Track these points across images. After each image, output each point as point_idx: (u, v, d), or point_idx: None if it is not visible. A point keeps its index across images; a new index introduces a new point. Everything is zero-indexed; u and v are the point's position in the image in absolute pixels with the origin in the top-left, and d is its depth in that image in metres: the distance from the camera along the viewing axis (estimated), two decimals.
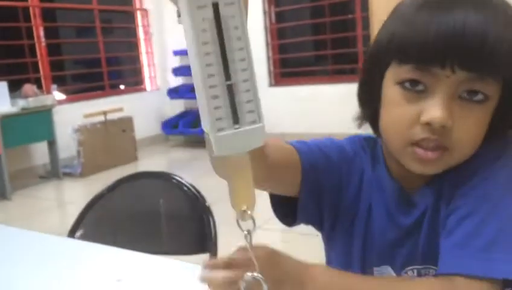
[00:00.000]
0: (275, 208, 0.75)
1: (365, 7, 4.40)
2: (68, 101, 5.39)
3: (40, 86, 4.97)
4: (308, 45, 6.01)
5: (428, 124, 0.60)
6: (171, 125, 5.96)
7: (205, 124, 0.41)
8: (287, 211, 0.73)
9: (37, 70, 5.16)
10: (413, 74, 0.61)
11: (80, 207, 1.38)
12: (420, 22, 0.60)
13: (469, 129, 0.61)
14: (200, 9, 0.38)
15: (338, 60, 5.53)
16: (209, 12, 0.39)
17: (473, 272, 0.57)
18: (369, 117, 0.71)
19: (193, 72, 0.41)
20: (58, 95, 5.23)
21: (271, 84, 5.70)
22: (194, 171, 4.98)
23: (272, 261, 0.56)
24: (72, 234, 1.32)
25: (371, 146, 0.76)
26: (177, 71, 6.06)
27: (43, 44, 5.18)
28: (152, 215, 1.39)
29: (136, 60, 6.37)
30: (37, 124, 4.47)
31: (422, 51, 0.59)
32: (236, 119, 0.40)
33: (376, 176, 0.73)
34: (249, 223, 0.45)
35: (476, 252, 0.59)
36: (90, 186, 4.53)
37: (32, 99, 4.39)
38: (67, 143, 4.81)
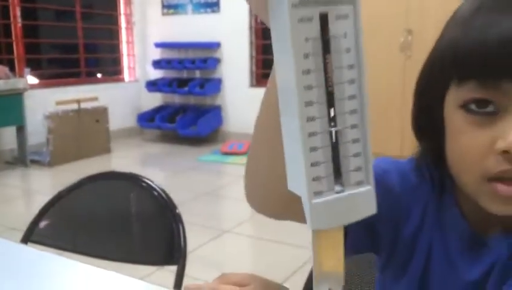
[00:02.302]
0: None
1: None
2: (41, 86, 5.21)
3: (12, 69, 4.79)
4: None
5: (506, 152, 0.49)
6: (147, 119, 5.83)
7: (295, 186, 0.30)
8: None
9: (11, 51, 4.97)
10: (477, 92, 0.50)
11: (46, 197, 1.29)
12: (479, 28, 0.49)
13: None
14: (302, 24, 0.27)
15: None
16: (315, 29, 0.28)
17: None
18: (432, 152, 0.59)
19: (284, 111, 0.30)
20: (31, 79, 5.04)
21: (252, 85, 5.64)
22: (168, 167, 4.88)
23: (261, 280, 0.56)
24: (30, 231, 1.24)
25: (439, 172, 0.62)
26: (157, 64, 5.94)
27: (19, 25, 4.99)
28: (118, 219, 1.30)
29: (115, 49, 6.21)
30: (7, 108, 4.30)
31: (485, 62, 0.48)
32: (339, 179, 0.30)
33: (443, 211, 0.62)
34: None
35: None
36: (58, 176, 4.38)
37: (3, 81, 4.22)
38: (37, 130, 4.64)
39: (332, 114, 0.29)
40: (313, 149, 0.29)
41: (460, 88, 0.51)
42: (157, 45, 5.99)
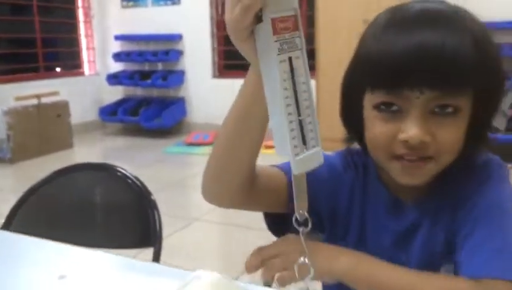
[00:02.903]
0: (267, 222, 0.80)
1: (311, 5, 4.48)
2: None
3: None
4: None
5: (406, 142, 0.65)
6: (109, 112, 5.77)
7: (283, 152, 0.50)
8: (279, 224, 0.77)
9: None
10: (385, 97, 0.66)
11: (8, 194, 1.32)
12: (386, 44, 0.64)
13: (446, 139, 0.65)
14: (281, 63, 0.49)
15: None
16: (287, 65, 0.50)
17: (496, 275, 0.62)
18: (356, 137, 0.76)
19: (273, 111, 0.51)
20: None
21: (214, 76, 5.68)
22: (133, 160, 4.87)
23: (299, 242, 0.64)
24: (6, 227, 1.26)
25: (362, 158, 0.80)
26: (117, 57, 5.88)
27: None
28: (94, 209, 1.35)
29: (74, 42, 6.09)
30: None
31: (391, 77, 0.64)
32: (305, 145, 0.51)
33: (368, 187, 0.78)
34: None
35: (495, 257, 0.64)
36: (20, 173, 4.31)
37: None
38: None
39: (298, 109, 0.51)
40: (291, 130, 0.50)
41: (373, 95, 0.67)
42: (117, 38, 5.93)
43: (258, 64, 0.51)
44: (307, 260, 0.54)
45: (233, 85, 5.69)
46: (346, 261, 0.66)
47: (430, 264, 0.71)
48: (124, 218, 1.34)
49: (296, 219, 0.55)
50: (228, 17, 0.51)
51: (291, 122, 0.49)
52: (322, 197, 0.77)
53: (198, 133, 5.17)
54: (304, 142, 0.50)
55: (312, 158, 0.51)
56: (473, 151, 0.71)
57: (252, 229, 2.86)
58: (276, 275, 0.64)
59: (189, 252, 2.58)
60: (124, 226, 1.34)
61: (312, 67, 4.13)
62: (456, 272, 0.69)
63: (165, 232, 1.27)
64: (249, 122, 0.63)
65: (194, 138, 5.10)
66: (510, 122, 4.07)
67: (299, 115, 0.50)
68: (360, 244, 0.77)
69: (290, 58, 0.49)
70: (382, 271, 0.66)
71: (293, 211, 0.71)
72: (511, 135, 4.00)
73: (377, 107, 0.67)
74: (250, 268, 0.66)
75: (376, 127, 0.68)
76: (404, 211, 0.76)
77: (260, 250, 0.66)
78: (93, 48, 6.12)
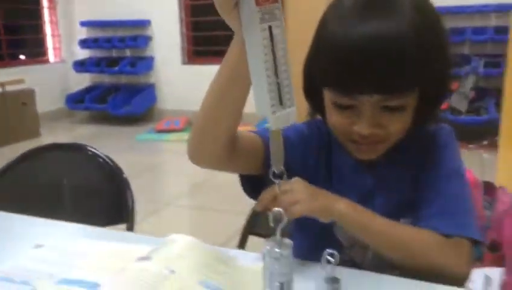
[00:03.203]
0: (243, 185, 0.84)
1: None
2: None
3: None
4: (220, 24, 5.98)
5: (360, 133, 0.74)
6: (76, 100, 5.67)
7: (262, 111, 0.56)
8: (254, 186, 0.81)
9: None
10: (341, 100, 0.74)
11: None
12: (338, 56, 0.70)
13: (396, 127, 0.75)
14: (263, 31, 0.54)
15: None
16: (267, 33, 0.54)
17: (461, 233, 0.75)
18: (319, 113, 0.84)
19: (254, 74, 0.56)
20: None
21: (184, 62, 5.64)
22: (103, 148, 4.79)
23: (307, 184, 0.73)
24: None
25: (326, 126, 0.86)
26: (83, 43, 5.76)
27: None
28: (65, 189, 1.35)
29: (38, 29, 5.94)
30: None
31: (344, 84, 0.71)
32: (282, 104, 0.56)
33: (332, 152, 0.86)
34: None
35: (459, 218, 0.77)
36: None
37: None
38: None
39: (277, 73, 0.55)
40: (270, 91, 0.55)
41: (329, 92, 0.76)
42: (83, 24, 5.81)
43: (242, 33, 0.56)
44: (332, 254, 0.58)
45: (203, 71, 5.65)
46: (344, 206, 0.73)
47: (391, 218, 0.77)
48: (96, 196, 1.35)
49: (274, 172, 0.59)
50: None
51: (270, 84, 0.54)
52: (292, 162, 0.80)
53: (169, 120, 5.15)
54: (281, 102, 0.55)
55: (288, 116, 0.56)
56: (424, 125, 0.81)
57: (222, 212, 2.91)
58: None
59: (160, 235, 2.60)
60: (96, 205, 1.35)
61: None
62: (413, 222, 0.79)
63: (137, 217, 1.28)
64: (233, 86, 0.67)
65: (165, 125, 5.07)
66: (471, 104, 4.22)
67: (277, 77, 0.55)
68: None
69: (270, 27, 0.54)
70: (375, 219, 0.75)
71: (267, 173, 0.76)
72: (472, 117, 4.16)
73: (333, 102, 0.75)
74: (262, 204, 0.71)
75: (333, 117, 0.77)
76: (366, 173, 0.84)
77: (271, 189, 0.70)
78: (59, 35, 5.98)
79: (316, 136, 0.88)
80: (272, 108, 0.55)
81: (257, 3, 0.53)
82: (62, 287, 0.68)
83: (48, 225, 0.93)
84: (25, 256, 0.78)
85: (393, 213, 0.79)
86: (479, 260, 1.98)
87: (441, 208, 0.77)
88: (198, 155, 0.76)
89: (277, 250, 0.57)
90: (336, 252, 0.60)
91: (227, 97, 0.69)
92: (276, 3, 0.55)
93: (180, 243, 0.72)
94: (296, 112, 0.57)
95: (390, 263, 0.75)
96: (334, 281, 0.61)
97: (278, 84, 0.55)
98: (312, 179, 0.83)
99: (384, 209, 0.79)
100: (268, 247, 0.57)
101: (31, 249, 0.81)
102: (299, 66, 0.81)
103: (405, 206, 0.81)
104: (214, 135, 0.72)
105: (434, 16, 0.74)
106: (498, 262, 1.89)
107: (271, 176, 0.59)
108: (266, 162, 0.77)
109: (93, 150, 1.36)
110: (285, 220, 0.59)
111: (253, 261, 0.76)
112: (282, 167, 0.59)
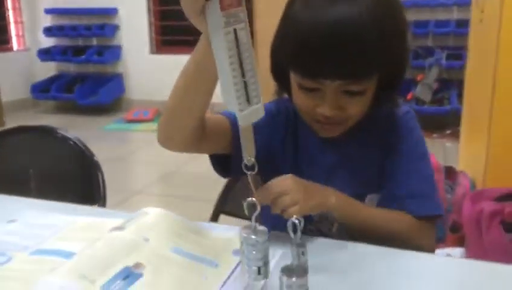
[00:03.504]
0: (213, 164, 0.87)
1: None
2: None
3: None
4: None
5: (323, 114, 0.78)
6: (41, 89, 5.53)
7: (231, 108, 0.59)
8: (223, 165, 0.86)
9: None
10: (305, 83, 0.78)
11: None
12: (298, 43, 0.73)
13: (356, 109, 0.80)
14: (227, 35, 0.56)
15: None
16: (232, 36, 0.57)
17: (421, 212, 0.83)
18: (285, 90, 0.87)
19: (221, 74, 0.58)
20: None
21: (152, 52, 5.59)
22: None
23: (299, 180, 0.75)
24: None
25: (293, 105, 0.89)
26: (48, 31, 5.62)
27: None
28: (36, 172, 1.34)
29: (1, 16, 5.75)
30: None
31: (308, 69, 0.75)
32: (249, 102, 0.59)
33: (299, 130, 0.90)
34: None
35: (425, 199, 0.85)
36: None
37: None
38: None
39: (243, 72, 0.58)
40: (237, 90, 0.58)
41: (294, 74, 0.79)
42: (48, 11, 5.66)
43: (208, 35, 0.58)
44: (298, 220, 0.61)
45: (172, 61, 5.61)
46: (335, 199, 0.78)
47: (356, 194, 0.83)
48: (66, 179, 1.35)
49: (245, 165, 0.62)
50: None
51: (236, 84, 0.57)
52: (260, 142, 0.84)
53: (137, 110, 5.10)
54: (248, 100, 0.59)
55: (255, 113, 0.60)
56: (382, 107, 0.86)
57: (191, 200, 2.92)
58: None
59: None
60: (67, 187, 1.35)
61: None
62: (383, 201, 0.85)
63: (108, 205, 1.28)
64: (200, 79, 0.70)
65: (133, 115, 5.02)
66: (435, 95, 4.36)
67: (243, 77, 0.58)
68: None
69: (235, 30, 0.57)
70: (362, 208, 0.82)
71: (236, 152, 0.80)
72: (435, 107, 4.30)
73: (298, 84, 0.79)
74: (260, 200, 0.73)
75: (298, 98, 0.82)
76: (330, 150, 0.88)
77: (266, 189, 0.72)
78: (22, 22, 5.81)
79: (283, 115, 0.92)
80: (239, 106, 0.58)
81: (222, 8, 0.56)
82: (37, 257, 0.69)
83: (20, 202, 0.93)
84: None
85: (358, 189, 0.85)
86: (442, 241, 2.08)
87: (413, 190, 0.85)
88: (168, 140, 0.79)
89: (253, 237, 0.60)
90: (301, 219, 0.63)
91: (195, 89, 0.72)
92: (240, 7, 0.58)
93: (153, 214, 0.75)
94: (262, 108, 0.61)
95: (353, 236, 0.80)
96: (300, 246, 0.64)
97: (245, 83, 0.58)
98: (278, 157, 0.87)
99: (348, 185, 0.84)
100: (244, 234, 0.60)
101: (4, 224, 0.81)
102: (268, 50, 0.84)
103: (370, 183, 0.87)
104: (183, 122, 0.75)
105: (395, 4, 0.78)
106: (459, 242, 1.98)
107: (244, 169, 0.62)
108: (234, 142, 0.81)
109: (62, 132, 1.35)
110: (258, 209, 0.61)
111: (223, 231, 0.79)
112: (253, 160, 0.62)
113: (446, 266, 0.73)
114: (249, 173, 0.63)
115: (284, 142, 0.90)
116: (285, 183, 0.73)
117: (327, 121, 0.80)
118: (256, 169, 0.62)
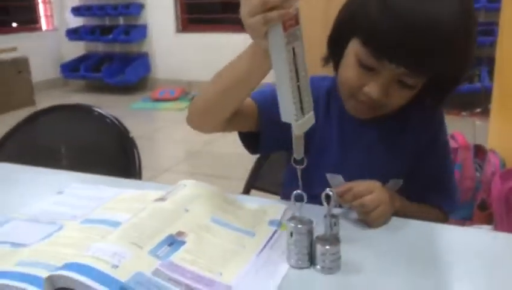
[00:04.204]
0: (242, 140, 0.90)
1: None
2: None
3: None
4: None
5: (368, 94, 0.79)
6: (71, 69, 5.65)
7: (287, 118, 0.64)
8: (252, 142, 0.88)
9: None
10: (368, 58, 0.77)
11: None
12: (386, 19, 0.72)
13: (398, 101, 0.81)
14: (288, 52, 0.61)
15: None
16: (291, 53, 0.61)
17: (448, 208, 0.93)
18: (334, 60, 0.87)
19: (280, 87, 0.63)
20: None
21: (178, 30, 5.62)
22: None
23: (383, 187, 0.80)
24: None
25: (327, 82, 0.93)
26: (76, 11, 5.70)
27: None
28: (74, 149, 1.40)
29: None
30: None
31: (381, 45, 0.74)
32: (303, 112, 0.64)
33: (332, 104, 0.91)
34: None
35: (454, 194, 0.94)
36: None
37: None
38: None
39: (299, 85, 0.62)
40: (294, 103, 0.63)
41: (360, 47, 0.77)
42: None
43: (269, 52, 0.63)
44: (332, 192, 0.66)
45: (198, 40, 5.61)
46: (399, 203, 0.83)
47: (382, 175, 0.85)
48: (104, 157, 1.40)
49: (294, 159, 0.67)
50: (248, 21, 0.61)
51: (294, 97, 0.62)
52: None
53: (164, 89, 5.16)
54: (302, 109, 0.64)
55: (308, 121, 0.65)
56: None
57: (220, 177, 2.97)
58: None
59: None
60: (103, 164, 1.40)
61: None
62: (412, 190, 0.89)
63: (146, 175, 1.34)
64: (239, 88, 0.74)
65: (159, 94, 5.09)
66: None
67: (299, 89, 0.63)
68: (318, 149, 0.88)
69: (293, 48, 0.62)
70: (410, 205, 0.87)
71: (264, 131, 0.85)
72: (466, 85, 4.22)
73: (357, 58, 0.78)
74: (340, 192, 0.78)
75: (350, 71, 0.81)
76: (370, 126, 0.89)
77: (351, 188, 0.77)
78: (50, 2, 5.91)
79: (316, 90, 0.91)
80: (295, 117, 0.63)
81: (284, 29, 0.60)
82: (86, 226, 0.74)
83: (66, 175, 0.98)
84: (48, 201, 0.84)
85: (388, 171, 0.88)
86: (469, 219, 2.08)
87: (443, 186, 0.93)
88: (200, 127, 0.82)
89: (300, 226, 0.65)
90: (333, 191, 0.66)
91: (233, 96, 0.76)
92: (298, 26, 0.62)
93: (191, 186, 0.79)
94: (313, 115, 0.66)
95: None
96: (333, 216, 0.68)
97: (300, 91, 0.63)
98: (314, 134, 0.88)
99: (386, 162, 0.87)
100: (292, 224, 0.64)
101: (53, 195, 0.87)
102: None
103: (397, 167, 0.89)
104: (218, 117, 0.79)
105: (475, 12, 0.79)
106: (487, 220, 1.98)
107: (293, 163, 0.67)
108: (262, 122, 0.85)
109: (98, 110, 1.40)
110: (305, 200, 0.65)
111: (258, 203, 0.83)
112: (302, 155, 0.67)
113: (476, 238, 0.76)
114: (298, 167, 0.67)
115: (316, 119, 0.91)
116: (372, 186, 0.77)
117: (367, 102, 0.80)
118: (305, 163, 0.66)
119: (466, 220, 2.01)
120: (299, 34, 0.62)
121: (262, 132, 0.86)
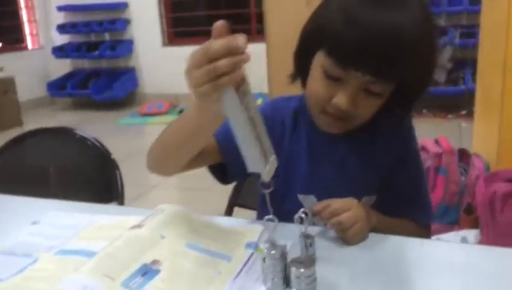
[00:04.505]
0: (212, 172, 0.91)
1: None
2: None
3: None
4: (201, 4, 5.98)
5: (337, 106, 0.79)
6: (57, 87, 5.64)
7: (255, 169, 0.64)
8: (221, 173, 0.90)
9: None
10: (333, 69, 0.77)
11: None
12: (350, 30, 0.73)
13: (366, 110, 0.82)
14: (242, 111, 0.61)
15: (231, 20, 5.57)
16: (246, 111, 0.61)
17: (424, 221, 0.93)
18: (301, 76, 0.87)
19: (242, 141, 0.62)
20: None
21: (164, 44, 5.63)
22: (87, 134, 4.80)
23: (360, 205, 0.80)
24: None
25: (293, 102, 0.93)
26: (62, 29, 5.70)
27: None
28: (55, 172, 1.39)
29: (14, 15, 5.85)
30: None
31: (346, 55, 0.75)
32: (266, 158, 0.64)
33: (300, 121, 0.92)
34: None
35: (428, 207, 0.94)
36: None
37: None
38: None
39: (258, 135, 0.63)
40: (260, 153, 0.62)
41: (325, 59, 0.78)
42: (60, 9, 5.74)
43: (224, 112, 0.62)
44: (306, 213, 0.67)
45: (184, 53, 5.65)
46: (375, 218, 0.83)
47: (356, 193, 0.84)
48: (85, 178, 1.39)
49: (262, 183, 0.66)
50: (199, 91, 0.60)
51: (256, 147, 0.62)
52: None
53: (152, 104, 5.16)
54: (265, 156, 0.64)
55: (272, 164, 0.66)
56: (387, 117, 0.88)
57: (207, 192, 2.97)
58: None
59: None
60: (86, 187, 1.40)
61: (261, 31, 4.17)
62: (386, 206, 0.88)
63: (125, 200, 1.33)
64: (193, 140, 0.75)
65: (148, 108, 5.09)
66: (449, 75, 4.31)
67: (257, 135, 0.63)
68: (288, 170, 0.89)
69: (246, 103, 0.62)
70: (387, 221, 0.87)
71: (229, 164, 0.86)
72: (450, 87, 4.26)
73: (323, 69, 0.79)
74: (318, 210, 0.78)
75: (317, 84, 0.81)
76: (337, 144, 0.90)
77: (328, 206, 0.77)
78: (35, 21, 5.90)
79: (279, 114, 0.93)
80: (261, 165, 0.63)
81: (236, 90, 0.61)
82: (61, 257, 0.73)
83: (42, 204, 0.98)
84: (23, 232, 0.84)
85: (359, 189, 0.88)
86: (456, 223, 2.09)
87: (417, 200, 0.93)
88: (160, 172, 0.85)
89: (273, 252, 0.64)
90: (308, 211, 0.66)
91: (186, 148, 0.77)
92: (245, 83, 0.62)
93: (169, 211, 0.78)
94: (276, 157, 0.67)
95: None
96: (308, 237, 0.68)
97: (260, 139, 0.64)
98: (282, 154, 0.89)
99: (358, 177, 0.88)
100: (265, 250, 0.64)
101: (28, 225, 0.86)
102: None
103: (370, 184, 0.90)
104: (174, 164, 0.81)
105: (434, 19, 0.81)
106: (474, 224, 1.99)
107: (260, 187, 0.66)
108: (225, 156, 0.85)
109: (80, 133, 1.40)
110: (277, 226, 0.65)
111: (235, 224, 0.82)
112: (270, 180, 0.67)
113: (442, 251, 0.76)
114: (266, 191, 0.66)
115: (280, 140, 0.91)
116: (348, 204, 0.77)
117: (337, 114, 0.80)
118: (272, 187, 0.66)
119: (453, 224, 2.02)
120: (248, 89, 0.63)
121: (228, 164, 0.87)
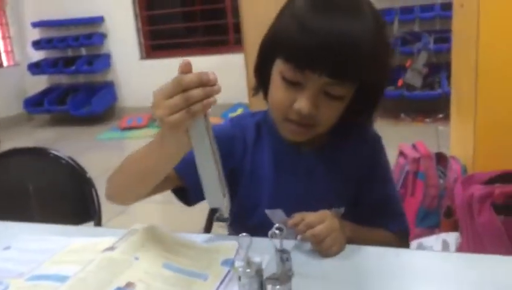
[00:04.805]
0: (175, 194, 0.91)
1: None
2: None
3: None
4: (178, 16, 5.97)
5: (299, 111, 0.79)
6: (34, 103, 5.55)
7: (217, 205, 0.68)
8: (184, 195, 0.89)
9: None
10: (292, 74, 0.79)
11: None
12: (305, 37, 0.75)
13: (329, 115, 0.82)
14: (209, 137, 0.63)
15: (208, 31, 5.60)
16: (208, 143, 0.64)
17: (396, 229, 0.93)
18: (262, 88, 0.89)
19: (205, 169, 0.65)
20: None
21: (142, 57, 5.60)
22: (66, 150, 4.72)
23: (333, 216, 0.80)
24: None
25: (257, 116, 0.94)
26: (37, 45, 5.63)
27: None
28: (29, 193, 1.37)
29: None
30: None
31: (302, 58, 0.76)
32: (224, 193, 0.67)
33: (263, 135, 0.92)
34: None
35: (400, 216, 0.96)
36: None
37: None
38: None
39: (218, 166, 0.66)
40: (222, 187, 0.66)
41: (283, 65, 0.79)
42: (35, 25, 5.67)
43: (191, 141, 0.64)
44: (280, 229, 0.66)
45: (162, 65, 5.62)
46: (349, 229, 0.83)
47: (328, 205, 0.85)
48: (61, 198, 1.37)
49: (218, 217, 0.70)
50: (170, 119, 0.61)
51: (217, 180, 0.64)
52: (230, 164, 0.87)
53: (131, 117, 5.11)
54: (223, 191, 0.67)
55: (228, 201, 0.69)
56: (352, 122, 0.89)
57: (188, 207, 2.94)
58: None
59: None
60: (63, 206, 1.37)
61: (239, 42, 4.19)
62: (351, 214, 0.88)
63: (106, 216, 1.31)
64: (153, 172, 0.77)
65: (127, 122, 5.04)
66: (425, 80, 4.38)
67: (217, 167, 0.65)
68: (251, 185, 0.90)
69: (210, 137, 0.65)
70: (361, 230, 0.87)
71: (190, 188, 0.86)
72: (426, 92, 4.32)
73: (282, 76, 0.80)
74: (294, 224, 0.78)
75: (278, 93, 0.82)
76: (303, 156, 0.90)
77: (302, 220, 0.77)
78: (10, 37, 5.82)
79: (240, 130, 0.93)
80: (221, 201, 0.67)
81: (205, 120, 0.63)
82: (34, 283, 0.72)
83: (13, 227, 0.95)
84: None
85: (331, 200, 0.88)
86: (437, 227, 2.11)
87: (389, 210, 0.94)
88: (121, 203, 0.85)
89: (248, 270, 0.63)
90: (283, 227, 0.66)
91: (145, 181, 0.78)
92: (208, 117, 0.64)
93: (142, 232, 0.77)
94: (228, 195, 0.70)
95: None
96: (284, 251, 0.67)
97: (219, 175, 0.65)
98: (237, 170, 0.90)
99: (329, 189, 0.88)
100: (240, 269, 0.63)
101: (1, 250, 0.84)
102: None
103: (340, 195, 0.90)
104: (134, 195, 0.82)
105: (384, 24, 0.84)
106: (454, 227, 2.01)
107: (216, 220, 0.70)
108: (184, 181, 0.86)
109: (54, 152, 1.38)
110: (251, 244, 0.64)
111: (211, 242, 0.82)
112: (227, 216, 0.70)
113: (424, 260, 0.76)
114: (224, 222, 0.69)
115: (243, 155, 0.91)
116: (323, 217, 0.77)
117: (300, 120, 0.81)
118: (228, 221, 0.69)
119: (434, 228, 2.04)
120: (210, 125, 0.65)
121: (189, 189, 0.87)
